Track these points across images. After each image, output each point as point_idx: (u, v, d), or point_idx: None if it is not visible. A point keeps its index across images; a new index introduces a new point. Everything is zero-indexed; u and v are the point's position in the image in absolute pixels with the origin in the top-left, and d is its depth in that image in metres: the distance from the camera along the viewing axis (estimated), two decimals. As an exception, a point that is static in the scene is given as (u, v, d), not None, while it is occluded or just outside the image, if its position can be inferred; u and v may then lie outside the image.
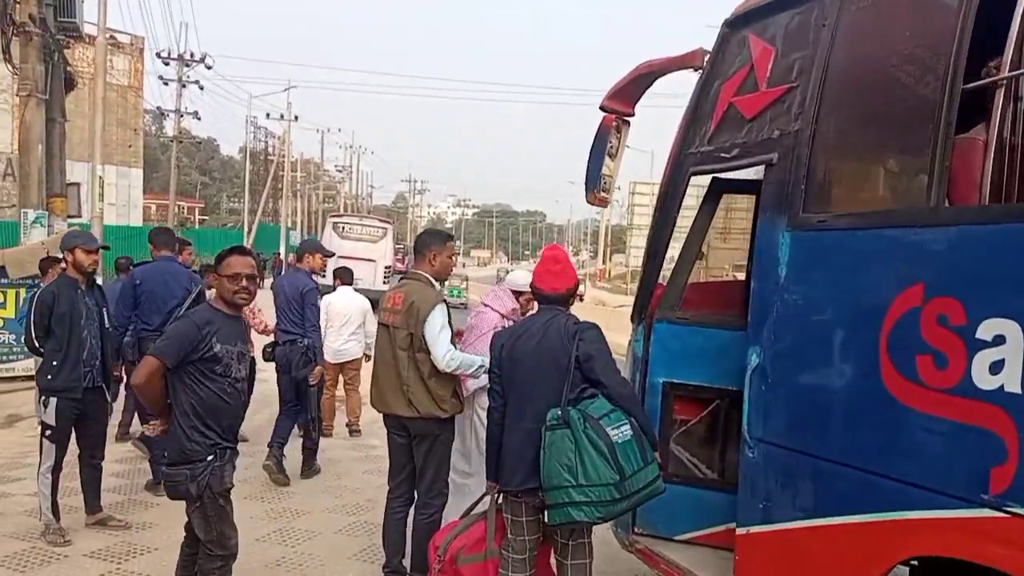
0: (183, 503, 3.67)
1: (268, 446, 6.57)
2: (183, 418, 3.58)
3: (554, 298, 3.81)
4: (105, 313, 5.31)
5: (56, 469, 5.11)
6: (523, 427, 3.60)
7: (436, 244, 4.47)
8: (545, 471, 3.45)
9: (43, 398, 5.09)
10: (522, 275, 4.87)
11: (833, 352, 3.08)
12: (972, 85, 2.74)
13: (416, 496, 4.43)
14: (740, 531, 3.50)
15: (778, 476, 3.34)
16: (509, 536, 3.76)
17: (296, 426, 6.87)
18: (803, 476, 3.22)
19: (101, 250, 5.33)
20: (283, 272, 8.92)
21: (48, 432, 5.10)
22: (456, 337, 4.51)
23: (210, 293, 5.24)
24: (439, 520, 4.34)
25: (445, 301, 4.39)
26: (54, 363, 5.03)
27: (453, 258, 4.52)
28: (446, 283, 4.64)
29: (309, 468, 6.85)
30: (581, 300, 4.81)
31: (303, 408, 6.66)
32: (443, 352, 4.23)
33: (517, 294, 4.83)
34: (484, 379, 4.20)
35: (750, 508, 3.45)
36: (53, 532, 5.00)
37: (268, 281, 14.41)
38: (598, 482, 3.35)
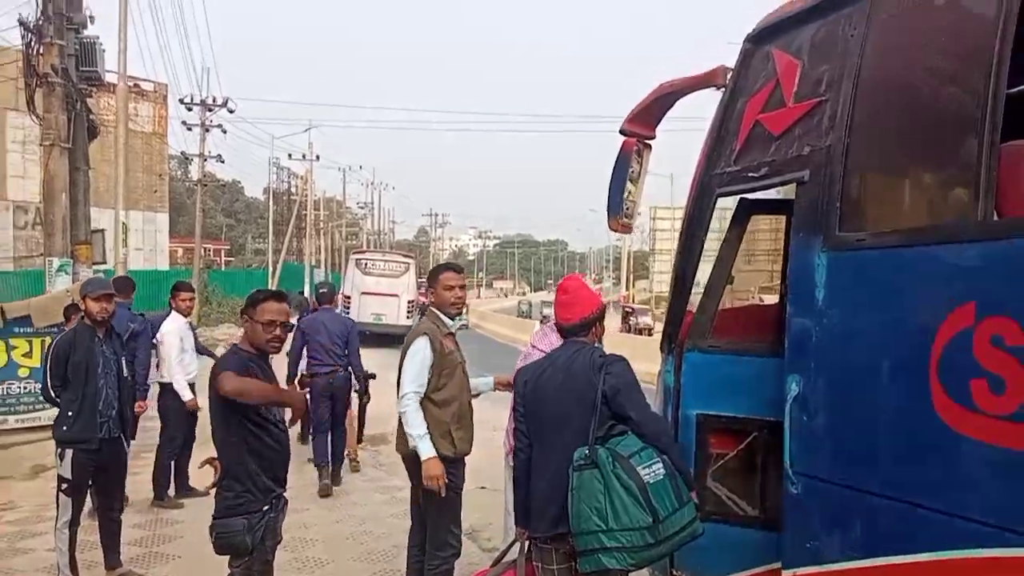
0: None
1: (317, 466, 7.56)
2: (237, 468, 3.48)
3: (570, 329, 3.65)
4: (124, 362, 5.21)
5: (74, 523, 4.96)
6: (550, 468, 3.40)
7: (431, 280, 4.44)
8: (574, 515, 3.25)
9: (59, 450, 4.97)
10: None
11: (878, 379, 2.89)
12: (1016, 90, 2.58)
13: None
14: (786, 573, 3.30)
15: (824, 513, 3.14)
16: None
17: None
18: (851, 512, 3.01)
19: (113, 298, 5.22)
20: (309, 312, 9.31)
21: (64, 486, 4.96)
22: (504, 387, 4.32)
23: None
24: (448, 571, 4.13)
25: (432, 336, 4.18)
26: (69, 413, 4.93)
27: (453, 288, 4.33)
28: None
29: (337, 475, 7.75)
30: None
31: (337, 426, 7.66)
32: (402, 390, 4.09)
33: None
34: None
35: (796, 547, 3.25)
36: None
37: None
38: (630, 526, 3.15)
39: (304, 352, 7.78)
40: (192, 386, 7.16)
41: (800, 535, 3.22)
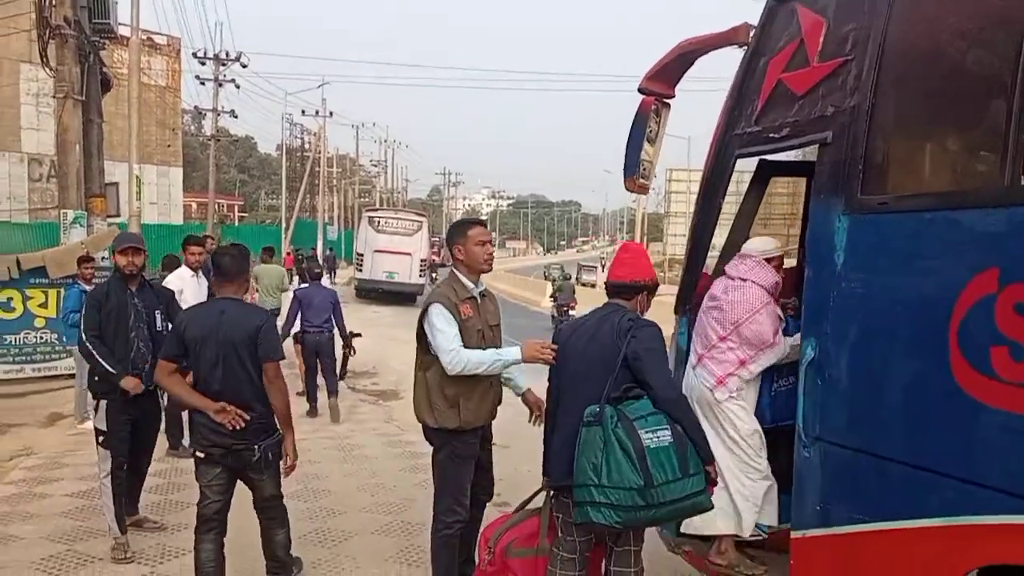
0: None
1: (308, 399, 9.47)
2: (262, 402, 3.95)
3: (616, 287, 3.61)
4: (158, 315, 5.09)
5: (115, 477, 4.87)
6: (568, 423, 3.42)
7: (458, 236, 4.05)
8: (576, 468, 3.29)
9: (95, 402, 4.94)
10: (766, 240, 4.26)
11: (896, 344, 2.87)
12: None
13: None
14: (795, 534, 3.32)
15: (836, 476, 3.14)
16: (560, 534, 3.60)
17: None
18: (864, 477, 3.01)
19: (141, 252, 5.06)
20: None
21: (101, 438, 4.90)
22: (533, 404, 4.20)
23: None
24: (451, 538, 4.03)
25: (444, 302, 3.90)
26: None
27: (485, 244, 4.05)
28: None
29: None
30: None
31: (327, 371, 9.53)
32: (445, 352, 3.80)
33: (769, 260, 4.04)
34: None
35: (806, 510, 3.27)
36: (116, 547, 4.82)
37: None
38: (620, 485, 3.16)
39: (298, 317, 9.50)
40: None
41: (811, 498, 3.22)
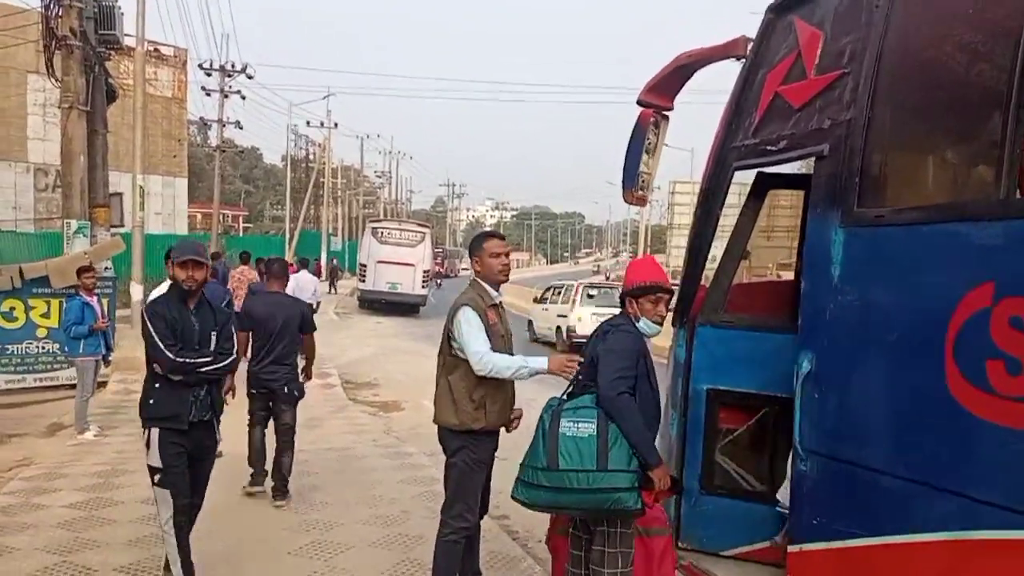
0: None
1: None
2: (293, 358, 6.34)
3: (620, 297, 3.88)
4: (213, 336, 4.37)
5: (177, 522, 4.22)
6: None
7: (476, 248, 4.19)
8: None
9: (145, 434, 4.26)
10: None
11: (893, 358, 2.86)
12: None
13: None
14: (792, 548, 3.29)
15: (833, 490, 3.12)
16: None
17: None
18: (861, 491, 3.00)
19: (203, 266, 4.37)
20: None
21: (156, 476, 4.23)
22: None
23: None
24: (456, 544, 4.05)
25: (473, 305, 4.00)
26: (157, 385, 4.26)
27: (500, 256, 4.13)
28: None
29: None
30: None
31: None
32: (474, 351, 3.89)
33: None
34: None
35: (803, 524, 3.25)
36: None
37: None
38: (530, 463, 3.47)
39: None
40: None
41: (808, 512, 3.20)
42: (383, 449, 8.19)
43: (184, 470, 4.26)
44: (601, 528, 3.56)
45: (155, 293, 7.27)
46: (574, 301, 18.66)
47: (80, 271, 8.54)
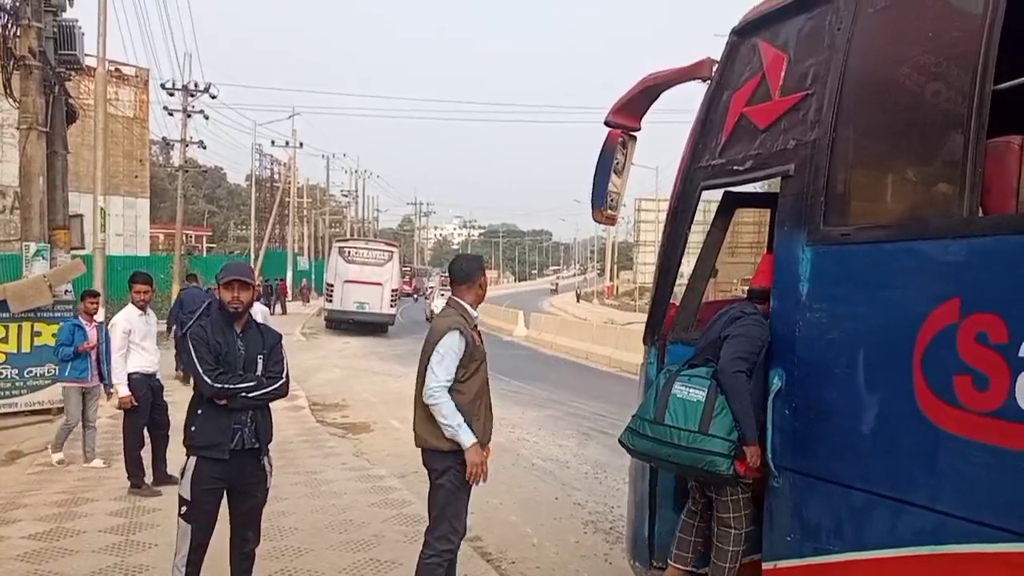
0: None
1: None
2: None
3: (749, 293, 3.93)
4: (259, 360, 4.18)
5: (192, 559, 4.06)
6: None
7: (474, 274, 4.27)
8: None
9: (185, 463, 4.13)
10: None
11: (861, 374, 2.89)
12: (1004, 86, 2.57)
13: None
14: (767, 565, 3.31)
15: (805, 507, 3.15)
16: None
17: None
18: (833, 507, 3.03)
19: (250, 287, 4.19)
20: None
21: (183, 508, 4.06)
22: None
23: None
24: (438, 567, 4.04)
25: (463, 330, 4.03)
26: (199, 412, 4.10)
27: (485, 287, 4.41)
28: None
29: None
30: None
31: None
32: (437, 377, 3.95)
33: None
34: None
35: (777, 541, 3.27)
36: None
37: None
38: (640, 414, 3.67)
39: None
40: (152, 375, 7.22)
41: (781, 529, 3.22)
42: (353, 472, 8.09)
43: (214, 508, 4.12)
44: (717, 496, 3.69)
45: (119, 316, 7.15)
46: (436, 295, 33.91)
47: (84, 295, 8.33)
